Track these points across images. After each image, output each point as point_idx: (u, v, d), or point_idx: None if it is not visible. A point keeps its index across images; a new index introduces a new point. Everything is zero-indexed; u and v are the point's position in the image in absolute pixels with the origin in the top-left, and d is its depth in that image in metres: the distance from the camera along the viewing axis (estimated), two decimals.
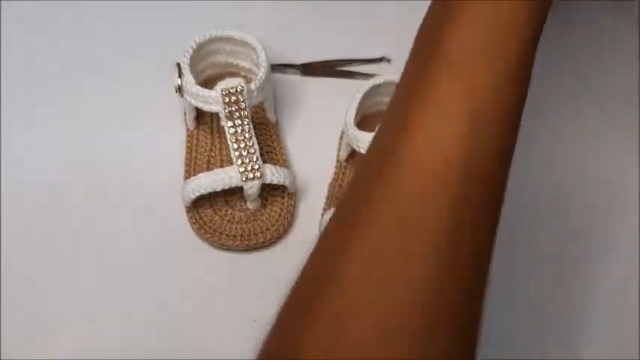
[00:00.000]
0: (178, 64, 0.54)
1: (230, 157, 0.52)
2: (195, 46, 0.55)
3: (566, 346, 0.50)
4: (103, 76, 0.61)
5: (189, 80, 0.53)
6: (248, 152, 0.51)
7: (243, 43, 0.56)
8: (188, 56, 0.54)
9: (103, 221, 0.54)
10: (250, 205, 0.53)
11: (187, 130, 0.57)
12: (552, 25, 0.66)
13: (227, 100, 0.51)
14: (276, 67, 0.60)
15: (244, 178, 0.51)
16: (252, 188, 0.51)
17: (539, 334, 0.50)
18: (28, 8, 0.64)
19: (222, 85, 0.52)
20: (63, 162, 0.56)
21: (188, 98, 0.54)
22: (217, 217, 0.53)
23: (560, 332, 0.50)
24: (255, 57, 0.56)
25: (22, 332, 0.49)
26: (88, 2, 0.64)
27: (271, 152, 0.56)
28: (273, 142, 0.57)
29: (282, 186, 0.53)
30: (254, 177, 0.51)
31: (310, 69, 0.62)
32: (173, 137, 0.57)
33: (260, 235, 0.53)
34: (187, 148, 0.56)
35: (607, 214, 0.56)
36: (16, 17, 0.64)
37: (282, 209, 0.54)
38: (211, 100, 0.52)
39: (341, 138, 0.57)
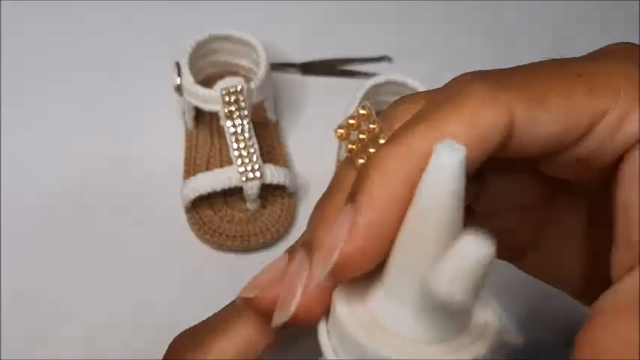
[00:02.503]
0: (177, 64, 0.53)
1: (230, 157, 0.51)
2: (194, 45, 0.54)
3: None
4: (103, 75, 0.60)
5: (188, 80, 0.53)
6: (248, 152, 0.51)
7: (243, 42, 0.56)
8: (187, 55, 0.54)
9: (102, 221, 0.53)
10: (250, 206, 0.53)
11: (187, 129, 0.57)
12: (550, 22, 0.66)
13: (227, 99, 0.51)
14: (276, 67, 0.60)
15: (244, 178, 0.50)
16: (251, 188, 0.51)
17: None
18: (28, 8, 0.64)
19: (222, 84, 0.51)
20: (62, 162, 0.56)
21: (187, 98, 0.53)
22: (217, 218, 0.53)
23: None
24: (255, 56, 0.56)
25: (22, 332, 0.49)
26: (88, 2, 0.64)
27: (271, 152, 0.56)
28: (273, 141, 0.56)
29: (282, 186, 0.53)
30: (254, 177, 0.50)
31: (310, 68, 0.62)
32: (172, 137, 0.57)
33: (260, 235, 0.52)
34: (187, 148, 0.56)
35: None
36: (16, 17, 0.63)
37: (282, 209, 0.53)
38: (211, 100, 0.52)
39: None
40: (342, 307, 0.18)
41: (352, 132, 0.21)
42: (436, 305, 0.17)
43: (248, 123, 0.51)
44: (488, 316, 0.18)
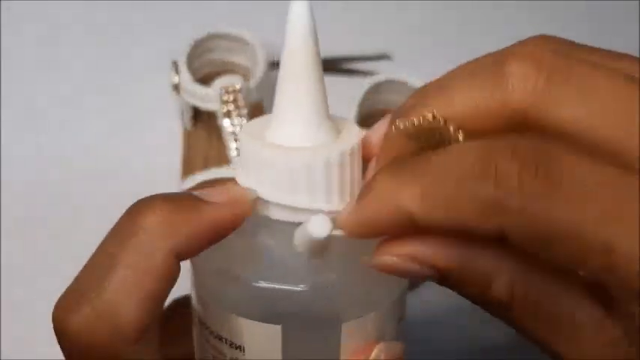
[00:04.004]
0: (175, 62, 0.53)
1: (228, 157, 0.51)
2: (192, 44, 0.54)
3: None
4: (100, 74, 0.60)
5: (186, 78, 0.52)
6: None
7: (242, 41, 0.56)
8: (185, 54, 0.53)
9: (100, 221, 0.53)
10: None
11: (184, 129, 0.57)
12: (550, 22, 0.66)
13: (225, 98, 0.51)
14: (275, 65, 0.60)
15: None
16: None
17: None
18: (28, 7, 0.64)
19: (220, 83, 0.51)
20: (60, 161, 0.56)
21: (185, 97, 0.53)
22: None
23: None
24: (253, 54, 0.55)
25: (22, 332, 0.48)
26: (87, 2, 0.64)
27: None
28: None
29: None
30: None
31: None
32: (170, 136, 0.57)
33: None
34: (184, 147, 0.56)
35: None
36: (16, 17, 0.63)
37: None
38: (209, 99, 0.51)
39: None
40: (248, 140, 0.24)
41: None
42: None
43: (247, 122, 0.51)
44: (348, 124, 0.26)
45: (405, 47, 0.63)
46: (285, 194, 0.23)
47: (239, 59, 0.57)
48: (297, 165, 0.23)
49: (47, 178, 0.55)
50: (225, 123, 0.51)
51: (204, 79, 0.56)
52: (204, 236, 0.23)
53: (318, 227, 0.22)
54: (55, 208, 0.54)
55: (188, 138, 0.56)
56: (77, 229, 0.53)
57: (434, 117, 0.22)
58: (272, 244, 0.24)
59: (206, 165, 0.54)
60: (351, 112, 0.52)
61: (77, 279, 0.23)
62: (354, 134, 0.24)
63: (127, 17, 0.64)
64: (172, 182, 0.54)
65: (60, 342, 0.23)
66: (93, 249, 0.57)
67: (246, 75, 0.57)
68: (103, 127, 0.57)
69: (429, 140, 0.22)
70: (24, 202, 0.54)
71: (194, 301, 0.26)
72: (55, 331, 0.23)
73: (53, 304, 0.52)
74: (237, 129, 0.51)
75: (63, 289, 0.55)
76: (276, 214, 0.23)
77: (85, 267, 0.23)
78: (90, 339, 0.22)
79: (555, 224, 0.18)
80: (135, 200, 0.56)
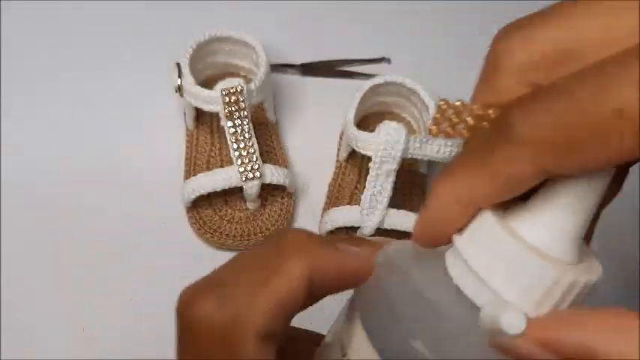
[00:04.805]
0: (178, 64, 0.54)
1: (230, 157, 0.52)
2: (194, 46, 0.55)
3: None
4: (103, 75, 0.60)
5: (188, 80, 0.53)
6: (248, 152, 0.51)
7: (243, 43, 0.56)
8: (188, 56, 0.54)
9: (102, 221, 0.54)
10: (250, 205, 0.53)
11: (187, 130, 0.57)
12: None
13: (227, 100, 0.51)
14: (276, 67, 0.60)
15: (244, 178, 0.51)
16: (251, 188, 0.51)
17: None
18: (29, 8, 0.64)
19: (222, 85, 0.52)
20: (63, 162, 0.56)
21: (188, 98, 0.53)
22: (217, 217, 0.53)
23: None
24: (254, 57, 0.56)
25: (21, 332, 0.49)
26: (88, 2, 0.64)
27: (271, 152, 0.56)
28: (272, 142, 0.57)
29: (282, 186, 0.53)
30: (254, 177, 0.51)
31: (310, 69, 0.62)
32: (173, 137, 0.57)
33: (260, 234, 0.53)
34: (187, 148, 0.56)
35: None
36: (17, 17, 0.63)
37: (281, 209, 0.54)
38: (211, 100, 0.52)
39: (341, 138, 0.57)
40: (500, 229, 0.22)
41: (441, 125, 0.23)
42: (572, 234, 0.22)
43: (248, 123, 0.51)
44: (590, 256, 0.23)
45: (404, 50, 0.64)
46: (505, 287, 0.22)
47: (241, 61, 0.58)
48: (545, 274, 0.22)
49: (48, 178, 0.55)
50: (228, 124, 0.51)
51: (207, 81, 0.57)
52: (335, 271, 0.23)
53: (515, 321, 0.21)
54: (57, 209, 0.54)
55: (191, 139, 0.57)
56: (79, 229, 0.53)
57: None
58: (454, 316, 0.23)
59: (209, 166, 0.55)
60: (350, 113, 0.53)
61: (215, 271, 0.24)
62: (595, 267, 0.23)
63: (130, 19, 0.64)
64: (175, 183, 0.54)
65: (179, 323, 0.24)
66: (94, 249, 0.57)
67: (247, 77, 0.57)
68: (106, 128, 0.58)
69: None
70: (24, 202, 0.54)
71: (350, 305, 0.25)
72: (177, 311, 0.24)
73: (53, 304, 0.52)
74: (239, 130, 0.51)
75: (63, 289, 0.55)
76: (481, 297, 0.22)
77: (227, 263, 0.24)
78: (210, 324, 0.22)
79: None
80: (136, 200, 0.57)
